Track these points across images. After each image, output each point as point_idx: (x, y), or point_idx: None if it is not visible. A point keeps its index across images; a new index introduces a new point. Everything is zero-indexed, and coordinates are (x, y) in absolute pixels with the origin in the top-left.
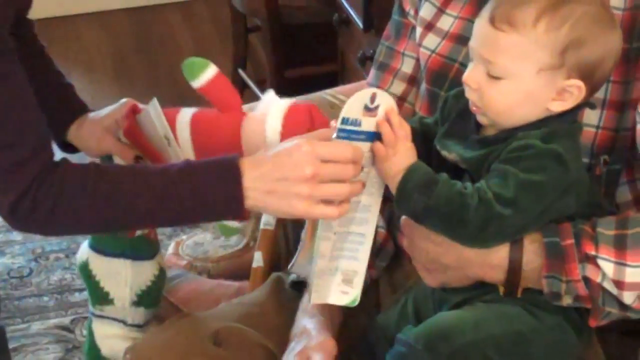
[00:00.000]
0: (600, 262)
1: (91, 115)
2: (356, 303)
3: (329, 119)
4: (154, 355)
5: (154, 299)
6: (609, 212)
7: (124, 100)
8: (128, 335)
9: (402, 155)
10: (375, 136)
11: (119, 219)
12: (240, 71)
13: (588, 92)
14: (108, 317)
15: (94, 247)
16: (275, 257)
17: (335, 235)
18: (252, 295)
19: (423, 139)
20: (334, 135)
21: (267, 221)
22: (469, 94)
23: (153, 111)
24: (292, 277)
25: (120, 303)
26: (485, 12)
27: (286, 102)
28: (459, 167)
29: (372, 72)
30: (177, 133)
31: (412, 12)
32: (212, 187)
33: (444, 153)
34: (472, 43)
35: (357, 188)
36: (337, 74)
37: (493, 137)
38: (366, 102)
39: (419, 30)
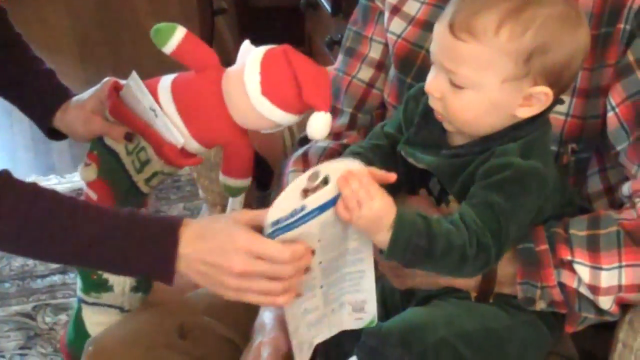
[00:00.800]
0: (576, 266)
1: (74, 99)
2: (374, 323)
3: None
4: (118, 347)
5: (150, 283)
6: (580, 207)
7: (105, 79)
8: None
9: (374, 208)
10: (334, 200)
11: (41, 250)
12: None
13: (556, 95)
14: (104, 305)
15: None
16: None
17: (321, 288)
18: None
19: (392, 152)
20: (269, 234)
21: (233, 209)
22: (432, 103)
23: (134, 84)
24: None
25: (119, 289)
26: (445, 18)
27: (261, 51)
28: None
29: (340, 57)
30: (161, 102)
31: None
32: (145, 248)
33: (411, 161)
34: (433, 49)
35: (290, 289)
36: None
37: (466, 150)
38: (302, 188)
39: (386, 14)
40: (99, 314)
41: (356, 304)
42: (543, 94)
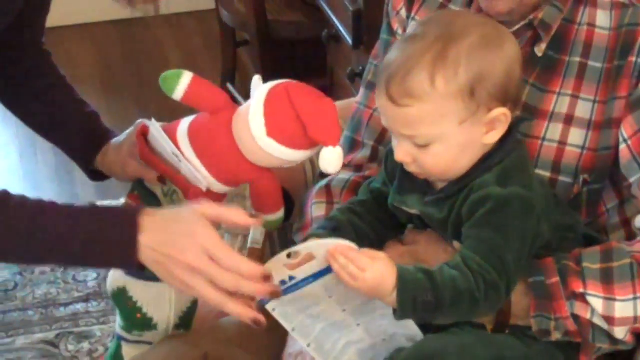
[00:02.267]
0: (589, 298)
1: (113, 141)
2: None
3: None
4: None
5: (191, 319)
6: (587, 235)
7: (138, 121)
8: None
9: (370, 278)
10: (328, 270)
11: (9, 254)
12: (229, 85)
13: (511, 109)
14: (145, 342)
15: (133, 274)
16: (269, 240)
17: (359, 326)
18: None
19: (378, 206)
20: (262, 303)
21: (254, 239)
22: (408, 168)
23: (154, 131)
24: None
25: (163, 327)
26: (381, 92)
27: (264, 91)
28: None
29: (361, 90)
30: (181, 147)
31: (400, 32)
32: (108, 238)
33: (405, 209)
34: (385, 122)
35: (232, 306)
36: (326, 90)
37: (448, 192)
38: (284, 262)
39: None
40: (141, 351)
41: (407, 336)
42: (502, 115)
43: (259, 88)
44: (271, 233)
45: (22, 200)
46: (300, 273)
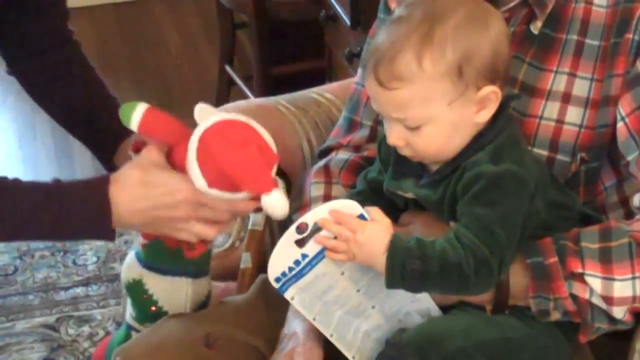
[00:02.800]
0: (588, 278)
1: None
2: None
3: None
4: (145, 357)
5: (208, 267)
6: (584, 214)
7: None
8: None
9: (365, 242)
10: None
11: None
12: (227, 67)
13: (501, 86)
14: None
15: (150, 267)
16: (263, 258)
17: (374, 308)
18: (241, 295)
19: (376, 195)
20: (280, 292)
21: (255, 222)
22: (401, 151)
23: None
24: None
25: None
26: (370, 76)
27: (195, 140)
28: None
29: (359, 71)
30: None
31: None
32: (78, 214)
33: (400, 193)
34: (375, 105)
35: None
36: (324, 71)
37: (442, 173)
38: (294, 240)
39: None
40: None
41: (421, 311)
42: (491, 92)
43: (192, 137)
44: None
45: None
46: (312, 249)
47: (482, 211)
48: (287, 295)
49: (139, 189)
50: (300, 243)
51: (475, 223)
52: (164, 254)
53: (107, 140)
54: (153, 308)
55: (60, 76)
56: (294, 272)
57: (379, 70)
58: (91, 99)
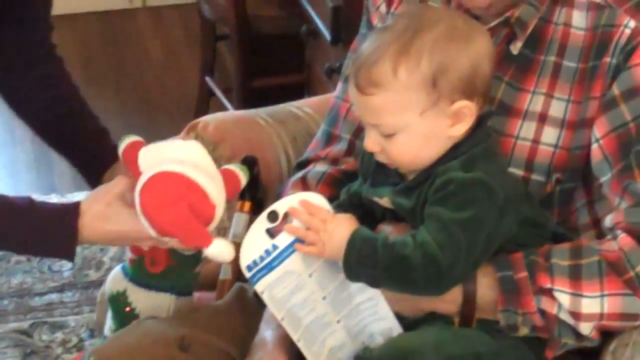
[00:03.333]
0: (557, 294)
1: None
2: None
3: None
4: (120, 357)
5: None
6: (556, 233)
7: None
8: None
9: (333, 232)
10: None
11: None
12: (208, 79)
13: (482, 101)
14: None
15: (136, 281)
16: (239, 269)
17: (339, 323)
18: (217, 303)
19: (355, 206)
20: (252, 284)
21: (236, 233)
22: (378, 157)
23: None
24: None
25: None
26: (351, 81)
27: (137, 193)
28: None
29: (339, 85)
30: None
31: (379, 27)
32: (46, 238)
33: (376, 199)
34: (355, 111)
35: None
36: (303, 85)
37: (416, 181)
38: (265, 228)
39: None
40: None
41: (384, 331)
42: (465, 107)
43: (135, 191)
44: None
45: None
46: (282, 240)
47: (445, 212)
48: (258, 288)
49: (103, 224)
50: (271, 233)
51: (435, 222)
52: (149, 271)
53: (93, 163)
54: (133, 320)
55: (42, 92)
56: (264, 262)
57: (359, 75)
58: (73, 119)
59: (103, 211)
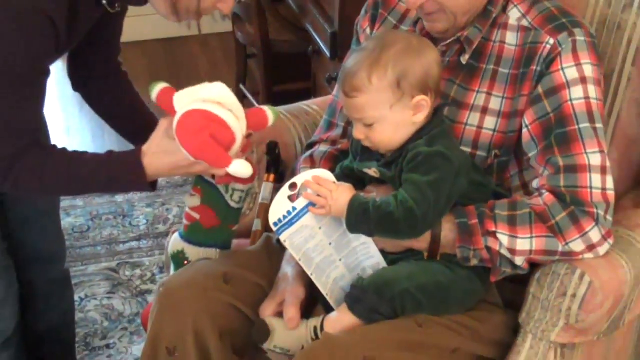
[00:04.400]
0: (499, 235)
1: None
2: None
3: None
4: (180, 289)
5: (237, 220)
6: (496, 192)
7: None
8: None
9: (337, 198)
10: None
11: (61, 190)
12: (241, 86)
13: (434, 96)
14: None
15: (190, 241)
16: (267, 223)
17: (341, 261)
18: (251, 248)
19: (347, 176)
20: (277, 235)
21: (264, 197)
22: (363, 143)
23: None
24: (277, 236)
25: None
26: (340, 88)
27: (175, 121)
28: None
29: (336, 87)
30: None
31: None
32: (122, 173)
33: (366, 170)
34: (344, 110)
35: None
36: (310, 90)
37: (392, 157)
38: (287, 195)
39: None
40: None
41: (373, 266)
42: (422, 100)
43: (172, 127)
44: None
45: (64, 152)
46: (299, 204)
47: (416, 177)
48: (282, 238)
49: (161, 158)
50: (291, 198)
51: (411, 185)
52: (200, 232)
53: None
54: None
55: (112, 95)
56: (286, 220)
57: (344, 84)
58: (133, 110)
59: (157, 147)
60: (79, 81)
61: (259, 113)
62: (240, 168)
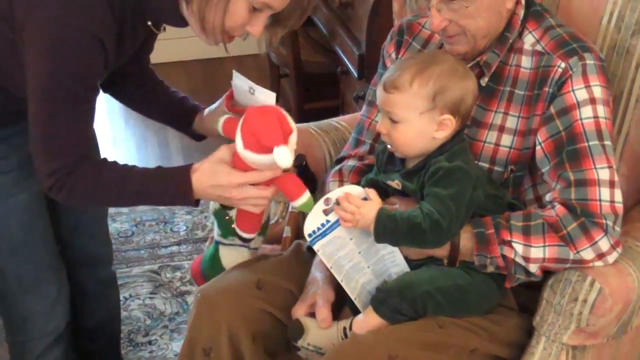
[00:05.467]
0: (514, 244)
1: (206, 110)
2: None
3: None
4: (217, 294)
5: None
6: (510, 204)
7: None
8: (248, 255)
9: (365, 213)
10: None
11: (112, 202)
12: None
13: (461, 120)
14: (237, 245)
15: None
16: (297, 230)
17: (369, 268)
18: (282, 254)
19: (372, 187)
20: (311, 245)
21: (293, 206)
22: (383, 138)
23: (235, 77)
24: (307, 244)
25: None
26: (380, 84)
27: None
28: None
29: (364, 107)
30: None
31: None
32: (170, 189)
33: (389, 182)
34: (377, 102)
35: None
36: (338, 107)
37: (414, 168)
38: (322, 209)
39: None
40: (232, 251)
41: (398, 272)
42: (448, 120)
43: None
44: None
45: (115, 165)
46: (332, 217)
47: (439, 191)
48: (316, 247)
49: (208, 177)
50: (325, 212)
51: (434, 198)
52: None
53: (184, 118)
54: (233, 225)
55: (143, 87)
56: (320, 232)
57: (387, 81)
58: (166, 97)
59: (208, 167)
60: (113, 84)
61: (297, 184)
62: (284, 154)
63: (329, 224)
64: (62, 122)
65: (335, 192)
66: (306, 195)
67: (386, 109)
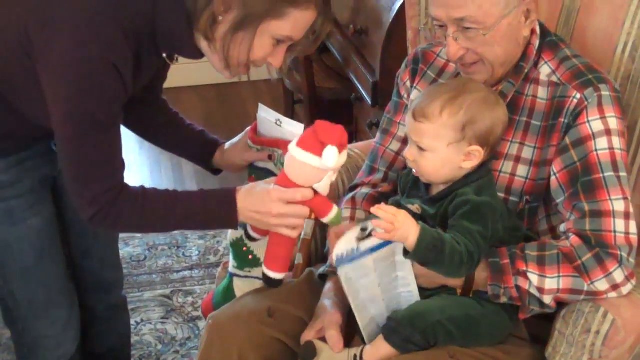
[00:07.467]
0: (528, 274)
1: (227, 143)
2: None
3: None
4: (228, 321)
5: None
6: (526, 235)
7: (247, 129)
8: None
9: (405, 227)
10: (379, 247)
11: (158, 228)
12: None
13: (488, 151)
14: (252, 277)
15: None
16: (309, 257)
17: (383, 301)
18: (293, 281)
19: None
20: (336, 267)
21: (306, 233)
22: (409, 164)
23: (261, 110)
24: (319, 271)
25: None
26: (410, 110)
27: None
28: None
29: (378, 134)
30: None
31: (405, 96)
32: (216, 210)
33: (409, 206)
34: (407, 130)
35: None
36: (352, 134)
37: (439, 196)
38: (356, 235)
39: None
40: (246, 283)
41: (409, 302)
42: (477, 151)
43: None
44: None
45: (156, 191)
46: (364, 246)
47: (468, 225)
48: (339, 270)
49: (249, 197)
50: (357, 239)
51: (465, 232)
52: None
53: (204, 152)
54: (250, 257)
55: (158, 119)
56: (348, 257)
57: (416, 108)
58: (183, 130)
59: (250, 186)
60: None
61: (324, 200)
62: (334, 154)
63: (359, 252)
64: (94, 150)
65: (370, 222)
66: (335, 209)
67: (414, 137)
